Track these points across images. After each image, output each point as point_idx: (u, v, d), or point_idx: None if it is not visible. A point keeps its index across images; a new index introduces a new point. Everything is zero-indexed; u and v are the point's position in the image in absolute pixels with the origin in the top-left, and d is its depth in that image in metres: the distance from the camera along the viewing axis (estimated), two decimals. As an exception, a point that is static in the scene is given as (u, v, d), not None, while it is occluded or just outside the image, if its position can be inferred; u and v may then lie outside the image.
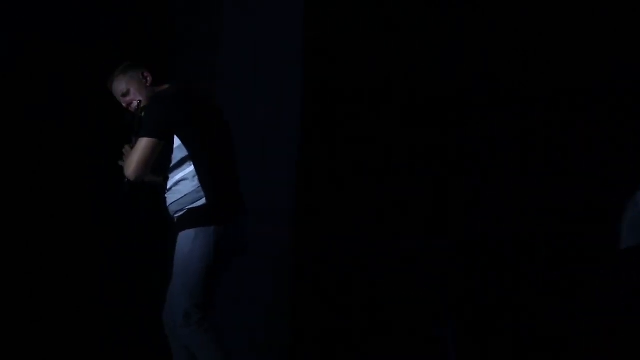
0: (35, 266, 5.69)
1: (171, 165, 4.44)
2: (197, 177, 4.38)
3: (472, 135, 6.32)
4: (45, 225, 5.71)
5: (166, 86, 4.57)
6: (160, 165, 4.48)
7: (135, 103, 4.55)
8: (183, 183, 4.41)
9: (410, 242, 6.23)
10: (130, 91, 4.55)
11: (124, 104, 4.59)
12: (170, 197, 4.47)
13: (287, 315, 6.25)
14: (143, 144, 4.37)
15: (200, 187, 4.38)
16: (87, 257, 5.84)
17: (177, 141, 4.40)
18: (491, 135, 6.31)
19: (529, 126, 6.29)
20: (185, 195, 4.40)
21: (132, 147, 4.49)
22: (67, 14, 5.85)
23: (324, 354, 6.29)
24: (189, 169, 4.40)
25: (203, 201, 4.37)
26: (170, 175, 4.45)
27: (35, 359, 5.63)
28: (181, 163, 4.42)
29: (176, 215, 4.45)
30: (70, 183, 5.82)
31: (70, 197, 5.82)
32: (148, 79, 4.57)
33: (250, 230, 4.52)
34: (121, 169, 4.55)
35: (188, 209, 4.40)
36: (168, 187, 4.48)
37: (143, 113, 4.51)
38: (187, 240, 4.35)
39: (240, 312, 5.82)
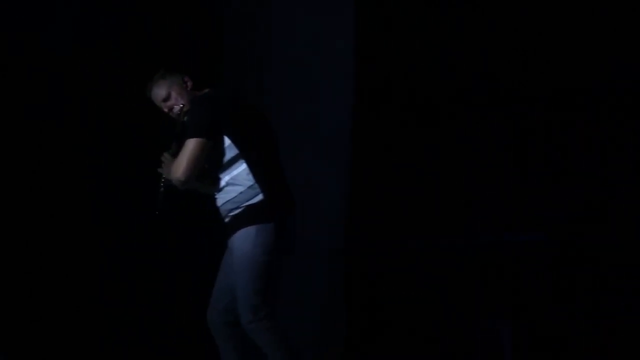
0: (35, 266, 5.69)
1: (223, 164, 4.44)
2: (251, 174, 4.40)
3: (471, 135, 6.31)
4: (45, 225, 5.71)
5: (206, 90, 4.57)
6: (204, 169, 4.47)
7: (177, 108, 4.53)
8: (237, 180, 4.42)
9: (460, 240, 6.23)
10: (171, 96, 4.54)
11: (164, 109, 4.58)
12: (224, 196, 4.47)
13: (342, 314, 6.28)
14: (191, 145, 4.36)
15: (255, 184, 4.40)
16: (87, 257, 5.84)
17: (226, 141, 4.41)
18: (491, 135, 6.31)
19: (529, 126, 6.28)
20: (240, 192, 4.42)
21: (171, 154, 4.50)
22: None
23: (379, 351, 6.28)
24: (242, 166, 4.41)
25: (260, 197, 4.40)
26: (222, 175, 4.45)
27: (35, 359, 5.63)
28: (233, 161, 4.42)
29: (231, 213, 4.46)
30: (70, 183, 5.82)
31: (70, 197, 5.82)
32: (188, 83, 4.57)
33: (299, 229, 4.55)
34: (157, 175, 4.56)
35: (246, 205, 4.41)
36: (220, 186, 4.47)
37: (186, 117, 4.49)
38: (248, 237, 4.37)
39: (294, 312, 5.80)
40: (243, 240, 4.39)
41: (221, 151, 4.42)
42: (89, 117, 5.91)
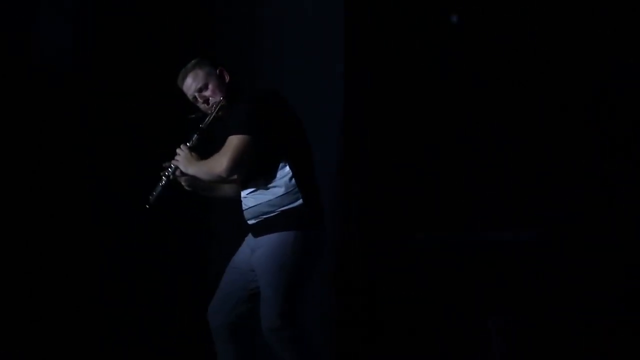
0: (35, 266, 5.68)
1: (263, 164, 4.28)
2: (293, 178, 4.26)
3: (471, 135, 6.32)
4: (45, 225, 5.71)
5: (244, 87, 4.42)
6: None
7: (213, 100, 4.35)
8: (278, 183, 4.27)
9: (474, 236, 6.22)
10: (208, 86, 4.36)
11: (199, 99, 4.38)
12: (259, 198, 4.31)
13: (333, 314, 6.25)
14: (238, 142, 4.19)
15: (296, 188, 4.25)
16: (87, 257, 5.83)
17: (271, 141, 4.26)
18: (491, 135, 6.31)
19: (530, 126, 6.29)
20: (279, 196, 4.26)
21: (191, 147, 4.34)
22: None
23: (378, 351, 6.28)
24: (284, 169, 4.27)
25: (300, 202, 4.25)
26: (260, 176, 4.29)
27: (36, 359, 5.63)
28: (275, 163, 4.28)
29: (265, 216, 4.30)
30: (70, 183, 5.81)
31: (70, 197, 5.81)
32: (226, 77, 4.39)
33: None
34: (160, 167, 4.42)
35: (282, 210, 4.26)
36: (255, 188, 4.31)
37: (220, 112, 4.33)
38: (285, 242, 4.22)
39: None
40: (279, 244, 4.23)
41: (264, 151, 4.26)
42: (89, 117, 5.90)
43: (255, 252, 4.33)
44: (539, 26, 6.22)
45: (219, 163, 4.23)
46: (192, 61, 4.42)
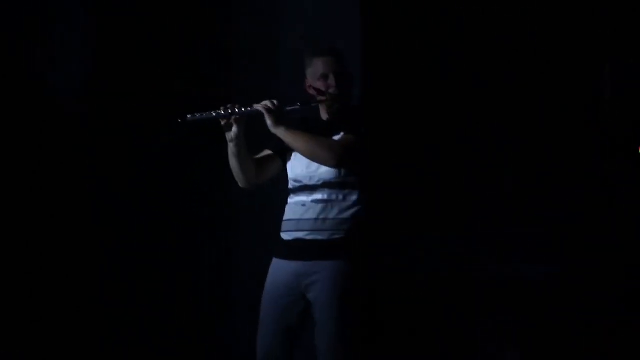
0: (35, 266, 5.69)
1: (354, 179, 3.98)
2: (363, 205, 3.97)
3: (472, 135, 6.32)
4: (45, 225, 5.71)
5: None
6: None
7: (339, 91, 4.04)
8: (354, 205, 3.97)
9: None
10: (347, 80, 4.06)
11: (330, 79, 4.04)
12: (328, 210, 3.96)
13: None
14: (356, 142, 3.93)
15: (365, 214, 3.97)
16: (87, 257, 5.84)
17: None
18: (491, 135, 6.31)
19: (529, 126, 6.29)
20: (351, 218, 3.94)
21: (288, 109, 3.95)
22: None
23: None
24: (361, 193, 3.99)
25: (365, 234, 3.97)
26: (347, 191, 3.98)
27: (36, 359, 5.63)
28: (351, 181, 3.99)
29: (329, 236, 3.93)
30: (70, 183, 5.82)
31: (70, 197, 5.82)
32: (352, 90, 4.15)
33: None
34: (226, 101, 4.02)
35: (353, 234, 3.93)
36: (329, 197, 3.98)
37: (330, 107, 4.05)
38: (353, 273, 3.91)
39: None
40: (348, 275, 3.89)
41: (363, 166, 4.00)
42: (89, 117, 5.91)
43: (309, 277, 3.95)
44: (539, 26, 6.22)
45: (333, 147, 3.89)
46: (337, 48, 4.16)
